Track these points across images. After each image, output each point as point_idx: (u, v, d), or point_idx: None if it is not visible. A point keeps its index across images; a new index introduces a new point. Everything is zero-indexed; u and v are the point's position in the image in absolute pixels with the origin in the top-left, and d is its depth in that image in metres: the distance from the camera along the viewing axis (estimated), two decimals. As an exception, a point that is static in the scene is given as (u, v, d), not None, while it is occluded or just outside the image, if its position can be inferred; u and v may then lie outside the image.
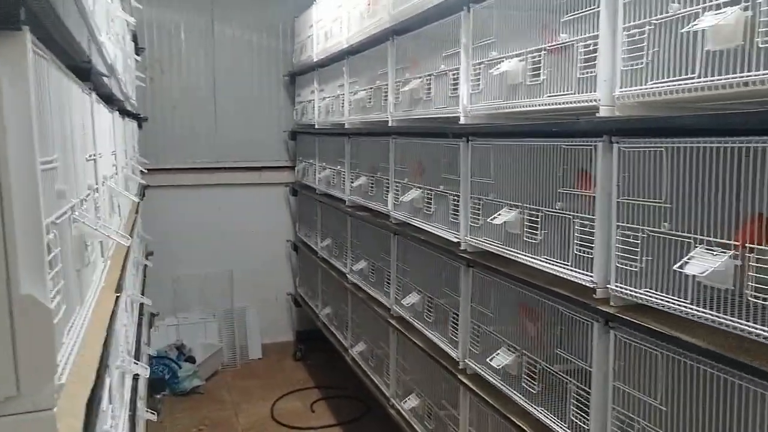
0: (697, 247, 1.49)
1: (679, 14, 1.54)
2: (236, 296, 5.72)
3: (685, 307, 1.53)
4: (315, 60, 4.85)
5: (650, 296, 1.64)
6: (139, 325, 2.80)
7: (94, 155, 1.39)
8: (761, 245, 1.34)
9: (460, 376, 2.60)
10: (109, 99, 2.18)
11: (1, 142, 0.71)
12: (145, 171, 4.04)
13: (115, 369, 1.64)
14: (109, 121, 2.00)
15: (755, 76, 1.32)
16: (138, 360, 2.47)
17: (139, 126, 4.71)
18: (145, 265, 3.85)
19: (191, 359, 5.13)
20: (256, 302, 5.78)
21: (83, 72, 1.44)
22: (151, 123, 5.27)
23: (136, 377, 2.17)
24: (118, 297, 1.37)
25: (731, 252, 1.40)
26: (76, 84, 1.24)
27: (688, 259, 1.48)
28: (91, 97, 1.43)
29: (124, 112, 2.95)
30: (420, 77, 2.94)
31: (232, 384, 5.17)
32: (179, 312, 5.54)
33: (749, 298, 1.35)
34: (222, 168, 5.73)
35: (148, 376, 2.42)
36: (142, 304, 3.01)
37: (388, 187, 3.40)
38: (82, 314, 1.05)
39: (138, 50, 4.78)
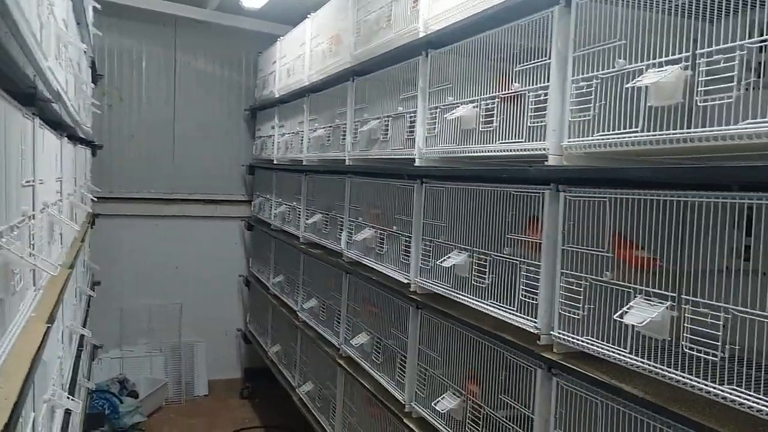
0: (636, 297, 1.52)
1: (624, 70, 1.59)
2: (185, 330, 5.59)
3: (625, 356, 1.54)
4: (277, 96, 4.87)
5: (591, 344, 1.65)
6: (78, 357, 2.71)
7: (33, 181, 1.36)
8: (694, 297, 1.37)
9: (405, 420, 2.57)
10: (58, 125, 2.14)
11: None
12: (95, 199, 3.95)
13: (44, 403, 1.57)
14: (56, 147, 1.95)
15: (694, 133, 1.36)
16: (74, 394, 2.38)
17: (93, 153, 4.63)
18: (90, 296, 3.74)
19: (134, 394, 4.97)
20: (204, 337, 5.66)
21: (28, 97, 1.41)
22: (107, 151, 5.19)
23: (68, 412, 2.08)
24: (48, 327, 1.32)
25: (668, 303, 1.43)
26: (17, 108, 1.21)
27: (628, 308, 1.50)
28: (34, 122, 1.40)
29: (76, 139, 2.89)
30: (378, 118, 2.97)
31: (174, 421, 5.02)
32: (125, 345, 5.39)
33: (685, 349, 1.37)
34: (177, 199, 5.65)
35: (81, 411, 2.33)
36: (82, 336, 2.91)
37: (342, 226, 3.39)
38: (2, 344, 1.00)
39: (96, 77, 4.73)
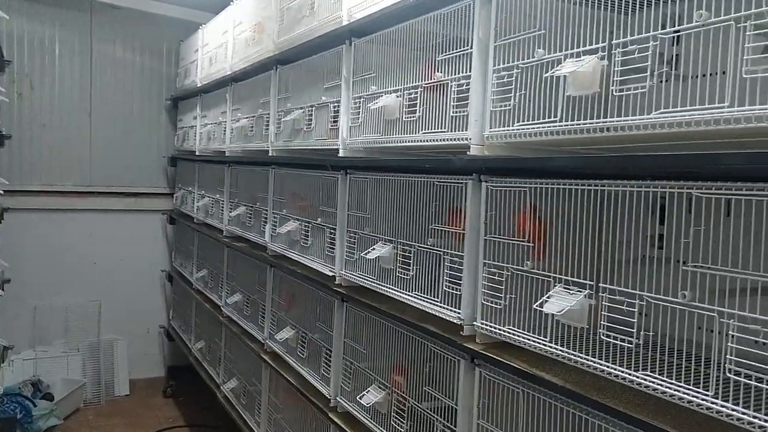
0: (556, 285, 1.53)
1: (543, 59, 1.59)
2: (104, 329, 5.37)
3: (545, 345, 1.55)
4: (199, 85, 4.72)
5: (513, 334, 1.66)
6: (-18, 359, 2.55)
7: None
8: (607, 282, 1.39)
9: (330, 415, 2.53)
10: (-47, 111, 1.99)
11: None
12: (1, 192, 3.74)
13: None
14: (-50, 135, 1.81)
15: (610, 122, 1.37)
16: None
17: (1, 143, 4.37)
18: (-2, 294, 3.54)
19: (49, 396, 4.74)
20: (125, 335, 5.45)
21: None
22: (17, 141, 4.92)
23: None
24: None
25: (586, 291, 1.44)
26: None
27: (547, 297, 1.50)
28: None
29: (-23, 127, 2.71)
30: (302, 108, 2.91)
31: (94, 423, 4.82)
32: (39, 345, 5.13)
33: (602, 337, 1.39)
34: (95, 192, 5.42)
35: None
36: (-13, 337, 2.74)
37: (266, 218, 3.32)
38: None
39: (4, 64, 4.47)
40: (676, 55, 1.61)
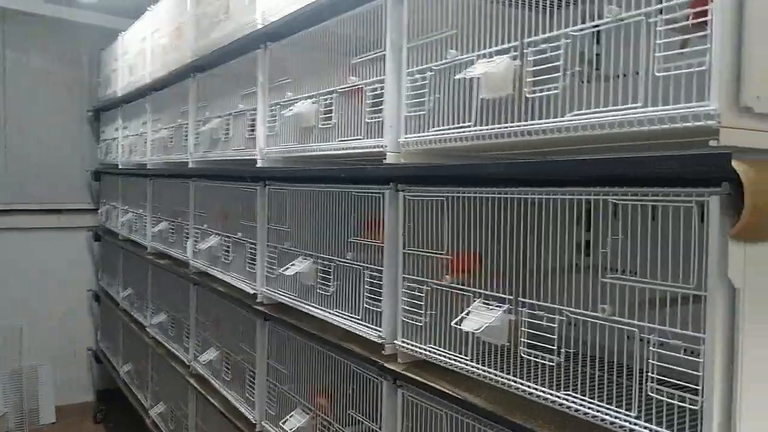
0: (475, 300, 1.43)
1: (456, 61, 1.50)
2: (27, 353, 5.06)
3: (467, 364, 1.45)
4: (120, 95, 4.51)
5: (435, 352, 1.56)
6: None
7: None
8: (530, 299, 1.30)
9: (256, 440, 2.39)
10: None
11: None
12: None
13: None
14: None
15: (524, 126, 1.28)
16: None
17: None
18: None
19: (-35, 430, 4.45)
20: (51, 359, 5.15)
21: None
22: (-77, 158, 4.61)
23: None
24: None
25: (505, 306, 1.35)
26: None
27: (466, 314, 1.41)
28: None
29: None
30: (220, 117, 2.76)
31: (15, 456, 4.54)
32: (-47, 375, 4.82)
33: (522, 355, 1.30)
34: (14, 210, 5.11)
35: None
36: None
37: (188, 233, 3.15)
38: None
39: None
40: (597, 54, 1.54)
